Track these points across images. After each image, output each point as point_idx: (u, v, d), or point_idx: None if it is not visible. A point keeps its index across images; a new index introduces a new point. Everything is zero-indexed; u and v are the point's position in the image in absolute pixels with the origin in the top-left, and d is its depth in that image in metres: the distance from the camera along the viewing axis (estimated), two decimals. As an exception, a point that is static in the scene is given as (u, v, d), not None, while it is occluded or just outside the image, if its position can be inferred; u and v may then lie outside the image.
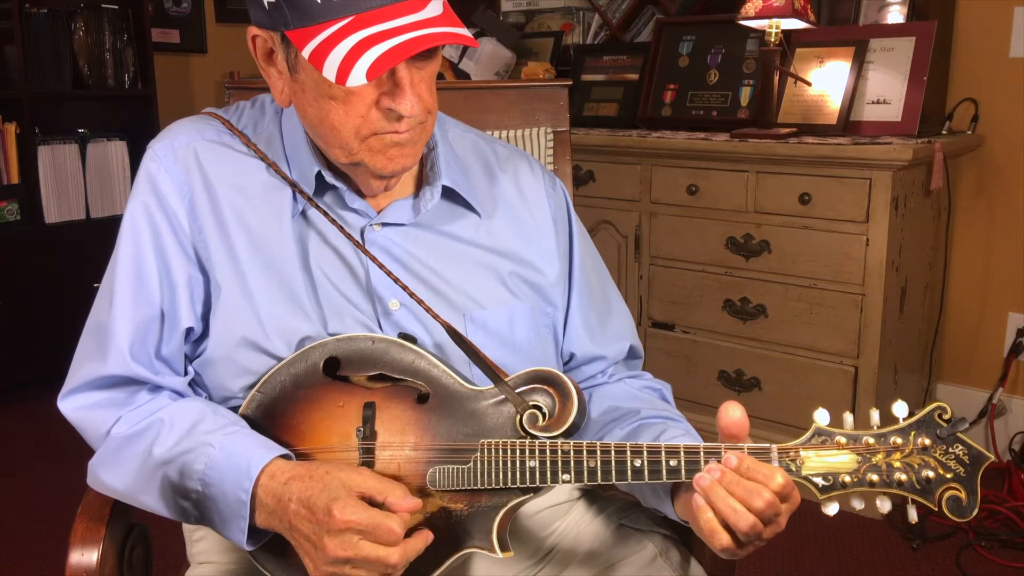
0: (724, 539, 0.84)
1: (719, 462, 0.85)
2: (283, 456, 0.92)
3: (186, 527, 1.14)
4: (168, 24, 4.07)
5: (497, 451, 0.91)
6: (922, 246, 2.53)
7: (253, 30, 0.96)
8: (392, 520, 0.85)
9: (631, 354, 1.18)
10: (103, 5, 3.49)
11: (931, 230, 2.58)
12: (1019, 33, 2.56)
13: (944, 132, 2.58)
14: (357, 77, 0.84)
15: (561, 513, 1.14)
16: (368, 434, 0.94)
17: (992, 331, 2.71)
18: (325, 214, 1.01)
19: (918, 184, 2.42)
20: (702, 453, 0.86)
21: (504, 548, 0.92)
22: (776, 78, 2.50)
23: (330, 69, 0.85)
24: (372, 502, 0.86)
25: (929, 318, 2.68)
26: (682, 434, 1.00)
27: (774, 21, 2.40)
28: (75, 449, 1.07)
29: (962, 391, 2.77)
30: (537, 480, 0.90)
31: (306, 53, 0.87)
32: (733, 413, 0.86)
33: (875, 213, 2.30)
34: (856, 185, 2.31)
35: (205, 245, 1.00)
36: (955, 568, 2.14)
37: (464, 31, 0.89)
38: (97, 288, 1.03)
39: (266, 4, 0.91)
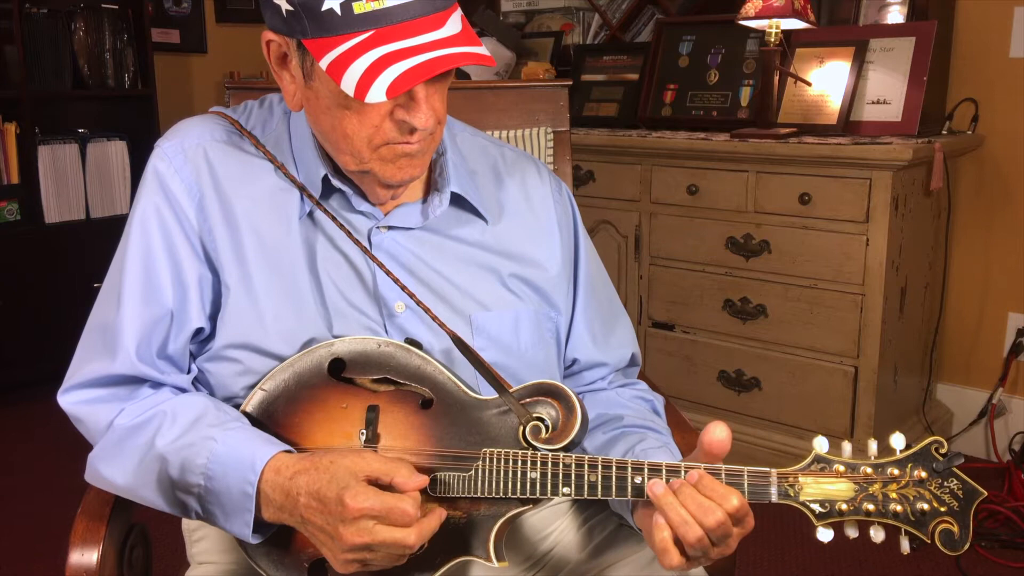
0: (675, 559, 0.85)
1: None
2: (285, 451, 0.92)
3: (186, 527, 1.15)
4: (168, 24, 4.07)
5: (499, 460, 0.91)
6: (922, 246, 2.53)
7: (268, 34, 0.96)
8: (404, 502, 0.85)
9: (630, 362, 1.18)
10: (103, 5, 3.49)
11: (931, 230, 2.58)
12: (1019, 33, 2.56)
13: (944, 132, 2.58)
14: (376, 94, 0.84)
15: (561, 513, 1.15)
16: (371, 437, 0.94)
17: (992, 331, 2.71)
18: (333, 218, 1.01)
19: (918, 184, 2.42)
20: None
21: (500, 558, 0.92)
22: (776, 78, 2.50)
23: (348, 83, 0.85)
24: (379, 484, 0.87)
25: (929, 318, 2.68)
26: (659, 446, 1.01)
27: (774, 21, 2.40)
28: (75, 449, 1.07)
29: (962, 391, 2.77)
30: (538, 491, 0.90)
31: (324, 64, 0.87)
32: (718, 433, 0.87)
33: (875, 213, 2.30)
34: (856, 185, 2.32)
35: (215, 245, 1.00)
36: (955, 568, 2.14)
37: (482, 50, 0.89)
38: (98, 288, 1.03)
39: (283, 11, 0.90)
